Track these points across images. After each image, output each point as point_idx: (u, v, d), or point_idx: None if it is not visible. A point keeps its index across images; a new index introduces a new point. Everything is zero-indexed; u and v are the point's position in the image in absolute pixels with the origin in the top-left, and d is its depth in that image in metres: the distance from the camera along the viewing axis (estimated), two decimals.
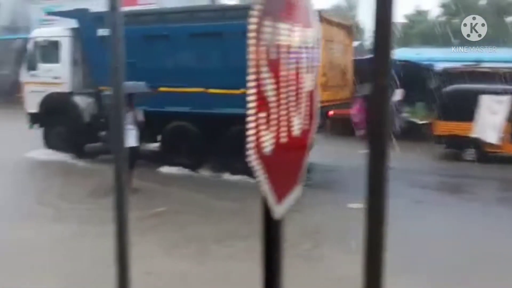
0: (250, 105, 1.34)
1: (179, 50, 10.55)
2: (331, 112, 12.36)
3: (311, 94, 1.79)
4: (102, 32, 11.28)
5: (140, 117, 9.43)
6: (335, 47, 10.86)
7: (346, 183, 10.38)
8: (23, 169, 11.61)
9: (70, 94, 12.22)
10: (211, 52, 10.32)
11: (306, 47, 1.65)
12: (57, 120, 12.34)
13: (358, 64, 11.76)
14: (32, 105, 12.73)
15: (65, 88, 12.22)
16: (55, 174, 11.08)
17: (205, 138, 10.82)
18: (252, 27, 1.29)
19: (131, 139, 8.63)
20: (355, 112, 12.88)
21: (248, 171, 6.96)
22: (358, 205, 6.51)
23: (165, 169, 11.00)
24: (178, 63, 10.65)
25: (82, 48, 12.03)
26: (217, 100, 10.28)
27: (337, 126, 13.95)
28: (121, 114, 2.52)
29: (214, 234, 6.93)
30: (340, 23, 11.21)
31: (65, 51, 12.21)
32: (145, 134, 11.46)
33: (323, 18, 9.98)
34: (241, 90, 9.77)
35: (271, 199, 1.41)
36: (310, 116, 1.80)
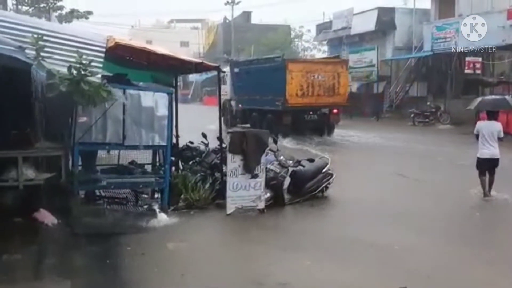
0: None
1: (253, 78, 22.24)
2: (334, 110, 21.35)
3: None
4: (235, 70, 24.16)
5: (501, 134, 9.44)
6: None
7: None
8: None
9: (229, 100, 25.30)
10: (262, 79, 21.54)
11: None
12: (226, 112, 25.62)
13: None
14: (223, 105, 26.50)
15: (228, 97, 25.37)
16: None
17: (261, 120, 22.02)
18: None
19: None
20: None
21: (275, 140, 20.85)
22: None
23: None
24: (253, 84, 22.28)
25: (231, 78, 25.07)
26: (264, 102, 21.48)
27: None
28: None
29: None
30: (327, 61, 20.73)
31: (228, 79, 25.35)
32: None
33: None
34: (269, 97, 20.91)
35: None
36: None
